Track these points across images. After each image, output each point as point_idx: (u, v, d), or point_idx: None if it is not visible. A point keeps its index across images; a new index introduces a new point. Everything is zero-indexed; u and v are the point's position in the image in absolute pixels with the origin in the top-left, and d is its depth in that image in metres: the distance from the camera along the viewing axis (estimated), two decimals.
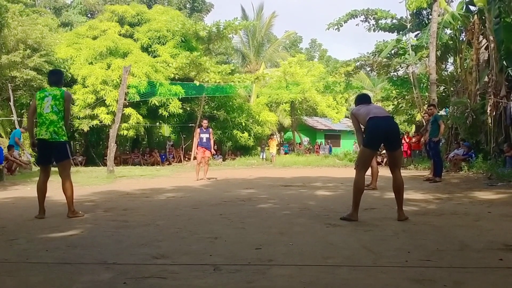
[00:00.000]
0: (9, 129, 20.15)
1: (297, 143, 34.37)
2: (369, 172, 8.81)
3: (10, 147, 14.10)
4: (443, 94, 20.63)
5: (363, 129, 5.33)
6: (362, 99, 5.64)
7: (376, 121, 5.08)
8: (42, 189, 5.59)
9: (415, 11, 20.16)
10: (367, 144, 5.17)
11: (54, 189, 9.20)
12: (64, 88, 5.83)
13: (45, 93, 5.59)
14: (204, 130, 12.58)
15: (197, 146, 12.72)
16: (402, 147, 5.76)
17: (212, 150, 12.99)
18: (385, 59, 21.91)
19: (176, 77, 22.64)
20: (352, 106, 6.40)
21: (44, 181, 5.64)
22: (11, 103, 18.25)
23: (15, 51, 17.78)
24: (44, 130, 5.45)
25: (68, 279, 3.01)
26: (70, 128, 20.04)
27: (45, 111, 5.48)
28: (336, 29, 22.36)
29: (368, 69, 26.68)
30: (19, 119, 18.70)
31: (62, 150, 5.56)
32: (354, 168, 5.51)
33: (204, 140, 12.47)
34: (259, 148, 27.45)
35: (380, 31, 22.47)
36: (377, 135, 5.12)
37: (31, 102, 5.72)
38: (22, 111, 19.42)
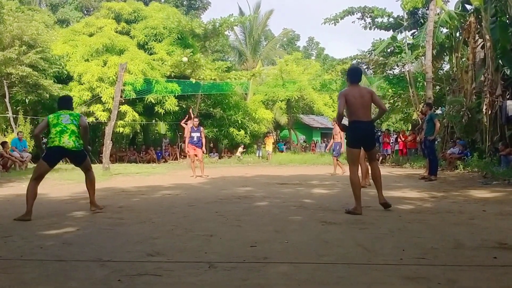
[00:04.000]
0: (4, 126, 20.08)
1: (293, 141, 34.37)
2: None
3: (4, 144, 14.05)
4: (439, 92, 20.69)
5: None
6: (354, 76, 6.00)
7: (357, 125, 5.81)
8: (34, 191, 5.48)
9: (411, 10, 20.18)
10: (350, 144, 5.95)
11: (50, 187, 9.22)
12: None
13: (59, 113, 5.78)
14: (195, 129, 12.56)
15: (188, 144, 12.71)
16: (377, 144, 6.32)
17: (203, 148, 12.99)
18: (381, 58, 21.93)
19: (172, 75, 22.59)
20: None
21: (36, 183, 5.56)
22: (7, 100, 18.17)
23: (10, 48, 17.67)
24: (66, 137, 5.56)
25: (63, 276, 3.00)
26: None
27: (64, 122, 5.63)
28: (332, 23, 22.36)
29: (365, 67, 26.69)
30: (14, 116, 18.61)
31: (83, 154, 5.88)
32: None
33: (195, 139, 12.47)
34: (255, 146, 27.44)
35: (376, 29, 22.49)
36: (357, 138, 5.91)
37: (40, 123, 5.87)
38: (18, 108, 19.32)
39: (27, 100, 18.77)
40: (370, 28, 22.44)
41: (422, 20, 20.74)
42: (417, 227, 4.66)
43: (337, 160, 13.77)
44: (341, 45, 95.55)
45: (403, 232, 4.39)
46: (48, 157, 5.62)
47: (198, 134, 12.50)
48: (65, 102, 6.11)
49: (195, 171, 12.51)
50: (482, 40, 15.64)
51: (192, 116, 14.82)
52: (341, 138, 13.17)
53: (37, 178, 5.60)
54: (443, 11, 18.28)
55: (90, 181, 5.97)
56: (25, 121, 18.87)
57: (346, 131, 6.03)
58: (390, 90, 23.60)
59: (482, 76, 15.37)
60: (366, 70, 28.45)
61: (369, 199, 6.41)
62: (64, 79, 21.39)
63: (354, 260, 3.35)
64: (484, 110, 14.51)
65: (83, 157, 5.88)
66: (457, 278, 2.86)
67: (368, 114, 5.88)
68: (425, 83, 18.95)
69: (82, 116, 5.95)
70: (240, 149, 25.61)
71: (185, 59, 20.78)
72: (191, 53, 21.86)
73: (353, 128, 5.86)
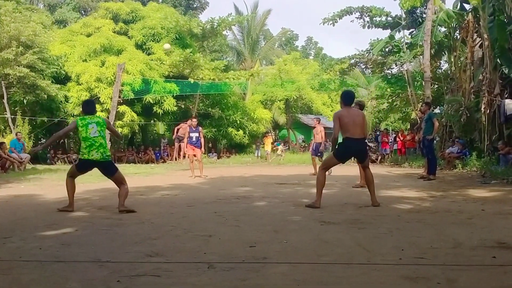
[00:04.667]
0: (2, 127, 20.05)
1: (291, 141, 34.35)
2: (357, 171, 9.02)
3: (2, 144, 14.01)
4: (437, 92, 20.70)
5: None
6: (347, 99, 6.49)
7: (350, 142, 6.24)
8: (72, 184, 6.09)
9: (409, 9, 20.19)
10: (337, 156, 6.35)
11: (48, 188, 9.20)
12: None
13: (87, 121, 6.13)
14: (194, 129, 12.56)
15: (187, 144, 12.73)
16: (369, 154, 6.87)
17: (202, 149, 12.99)
18: (379, 57, 21.94)
19: (170, 75, 22.57)
20: None
21: (72, 179, 6.16)
22: (5, 101, 18.15)
23: (7, 48, 17.65)
24: (94, 151, 5.98)
25: (61, 277, 3.00)
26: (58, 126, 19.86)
27: (93, 135, 6.03)
28: (331, 23, 22.35)
29: (363, 66, 26.71)
30: (12, 116, 18.59)
31: (112, 166, 6.24)
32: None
33: (194, 139, 12.46)
34: (254, 146, 27.41)
35: (375, 28, 22.50)
36: (348, 153, 6.51)
37: (68, 126, 6.50)
38: (16, 109, 19.29)
39: (25, 101, 18.73)
40: (368, 27, 22.43)
41: (420, 19, 20.74)
42: (416, 227, 4.66)
43: (315, 160, 13.84)
44: (340, 44, 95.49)
45: (402, 232, 4.39)
46: (79, 166, 6.25)
47: (197, 134, 12.50)
48: (89, 107, 6.54)
49: (194, 171, 12.50)
50: (480, 39, 15.64)
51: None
52: (321, 138, 13.31)
53: (72, 177, 6.21)
54: (441, 10, 18.30)
55: (122, 194, 6.03)
56: (23, 122, 18.83)
57: (338, 146, 6.39)
58: (388, 90, 23.58)
59: (481, 75, 15.36)
60: (364, 69, 28.49)
61: (368, 199, 6.41)
62: (62, 79, 21.33)
63: (353, 260, 3.35)
64: (482, 109, 14.51)
65: (112, 168, 6.20)
66: (456, 278, 2.86)
67: (361, 131, 6.29)
68: (423, 82, 18.95)
69: (108, 122, 6.42)
70: (281, 147, 25.04)
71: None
72: (190, 53, 21.83)
73: (346, 145, 6.31)
